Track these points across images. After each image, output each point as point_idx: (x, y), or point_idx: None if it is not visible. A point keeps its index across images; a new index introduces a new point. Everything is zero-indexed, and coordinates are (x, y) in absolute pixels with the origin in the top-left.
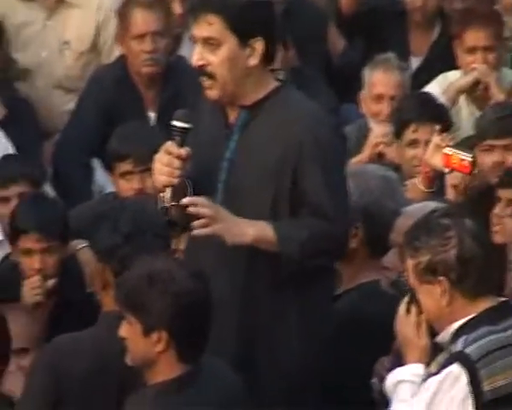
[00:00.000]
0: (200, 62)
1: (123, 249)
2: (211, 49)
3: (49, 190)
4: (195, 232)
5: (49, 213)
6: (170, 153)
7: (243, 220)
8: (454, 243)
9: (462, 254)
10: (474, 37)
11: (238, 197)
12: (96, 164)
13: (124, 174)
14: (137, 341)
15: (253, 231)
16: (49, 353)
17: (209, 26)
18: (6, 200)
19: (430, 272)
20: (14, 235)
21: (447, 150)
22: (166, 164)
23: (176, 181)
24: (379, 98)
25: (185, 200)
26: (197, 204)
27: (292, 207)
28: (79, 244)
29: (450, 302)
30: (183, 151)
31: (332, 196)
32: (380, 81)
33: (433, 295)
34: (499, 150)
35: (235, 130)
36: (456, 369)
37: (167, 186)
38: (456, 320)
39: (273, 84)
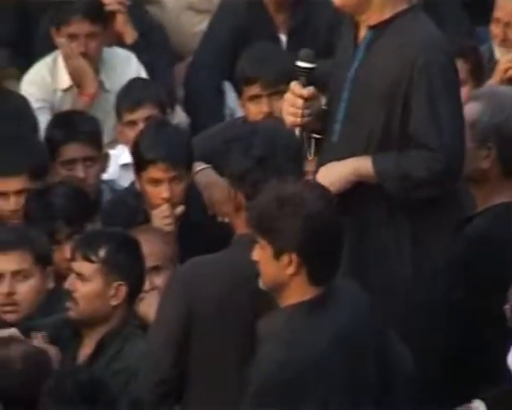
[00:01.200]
0: None
1: (255, 173)
2: None
3: (180, 112)
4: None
5: (176, 141)
6: (294, 93)
7: (339, 162)
8: None
9: None
10: None
11: (356, 119)
12: (228, 87)
13: (252, 98)
14: (269, 264)
15: (351, 164)
16: (182, 274)
17: None
18: (133, 123)
19: None
20: (140, 164)
21: None
22: (291, 104)
23: (300, 121)
24: (506, 24)
25: None
26: None
27: (402, 132)
28: (198, 166)
29: None
30: (306, 91)
31: (435, 125)
32: (502, 5)
33: None
34: None
35: (359, 49)
36: None
37: (294, 126)
38: None
39: (401, 6)
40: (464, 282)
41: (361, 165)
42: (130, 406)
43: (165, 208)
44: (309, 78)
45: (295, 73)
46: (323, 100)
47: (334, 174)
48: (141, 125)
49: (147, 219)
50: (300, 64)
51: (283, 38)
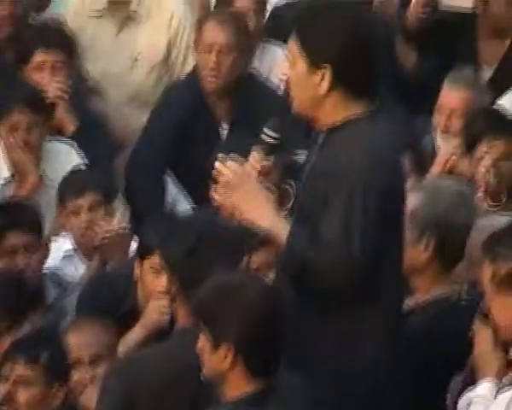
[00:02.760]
0: (284, 74)
1: (188, 262)
2: (290, 65)
3: (121, 203)
4: (215, 198)
5: None
6: (252, 161)
7: (268, 206)
8: None
9: None
10: None
11: (298, 213)
12: (169, 178)
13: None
14: (208, 355)
15: (270, 222)
16: (121, 366)
17: (290, 42)
18: (77, 211)
19: (509, 281)
20: (144, 251)
21: None
22: (248, 170)
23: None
24: (450, 113)
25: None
26: (226, 167)
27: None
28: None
29: None
30: (260, 165)
31: (343, 231)
32: (451, 96)
33: (509, 307)
34: None
35: (315, 150)
36: None
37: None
38: None
39: (353, 111)
40: (404, 375)
41: (278, 227)
42: None
43: (165, 302)
44: (272, 148)
45: (260, 140)
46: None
47: (257, 211)
48: (85, 213)
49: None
50: (266, 131)
51: (225, 127)
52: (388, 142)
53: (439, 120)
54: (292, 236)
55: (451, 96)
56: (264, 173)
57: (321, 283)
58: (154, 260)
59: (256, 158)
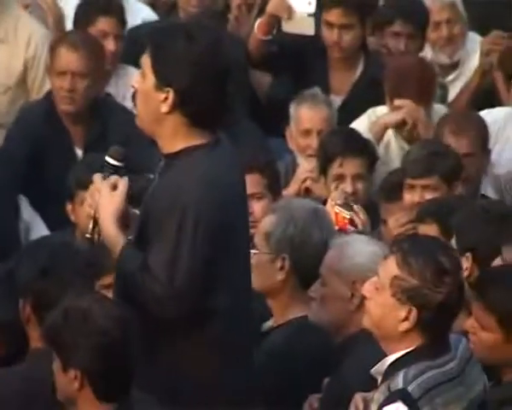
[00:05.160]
0: (133, 84)
1: (39, 284)
2: (141, 76)
3: None
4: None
5: None
6: (94, 185)
7: (111, 220)
8: (446, 290)
9: (447, 303)
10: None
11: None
12: (23, 201)
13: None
14: (59, 376)
15: (110, 232)
16: None
17: (144, 55)
18: None
19: (407, 295)
20: None
21: (336, 209)
22: (90, 195)
23: (93, 213)
24: (306, 133)
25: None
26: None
27: None
28: None
29: (407, 333)
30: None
31: (168, 259)
32: (307, 116)
33: (393, 314)
34: (419, 190)
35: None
36: (400, 408)
37: (89, 217)
38: (399, 350)
39: (193, 142)
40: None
41: (115, 242)
42: None
43: None
44: (114, 174)
45: (102, 168)
46: (134, 212)
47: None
48: None
49: None
50: (108, 159)
51: (79, 151)
52: (225, 171)
53: (297, 140)
54: (124, 255)
55: (311, 116)
56: None
57: (148, 308)
58: None
59: (98, 180)
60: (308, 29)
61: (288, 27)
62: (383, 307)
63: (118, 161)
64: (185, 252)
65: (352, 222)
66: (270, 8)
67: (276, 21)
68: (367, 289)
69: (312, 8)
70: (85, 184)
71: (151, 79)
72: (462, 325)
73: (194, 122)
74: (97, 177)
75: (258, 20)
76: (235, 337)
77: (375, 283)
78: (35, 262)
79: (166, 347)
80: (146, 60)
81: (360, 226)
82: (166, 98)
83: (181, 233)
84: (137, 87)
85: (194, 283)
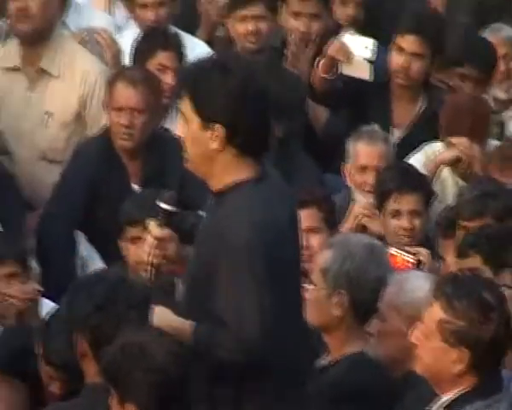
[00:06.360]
0: (178, 133)
1: (95, 319)
2: (184, 123)
3: (32, 262)
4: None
5: None
6: (149, 232)
7: (170, 318)
8: (493, 327)
9: (496, 339)
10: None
11: (189, 289)
12: (80, 236)
13: (133, 239)
14: None
15: (175, 324)
16: None
17: (183, 101)
18: None
19: (456, 338)
20: None
21: (392, 251)
22: (145, 243)
23: (149, 260)
24: (363, 169)
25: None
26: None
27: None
28: None
29: (461, 374)
30: (158, 232)
31: (235, 308)
32: (364, 152)
33: (445, 358)
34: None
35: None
36: None
37: (143, 263)
38: (453, 390)
39: (242, 176)
40: None
41: (182, 329)
42: None
43: None
44: (168, 220)
45: (156, 213)
46: (188, 249)
47: (162, 320)
48: (2, 282)
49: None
50: (161, 205)
51: (136, 187)
52: (274, 207)
53: (354, 176)
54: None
55: (368, 152)
56: (161, 240)
57: (221, 360)
58: None
59: (152, 226)
60: (364, 73)
61: (346, 70)
62: (434, 351)
63: (171, 205)
64: (249, 297)
65: (417, 265)
66: (330, 50)
67: (336, 62)
68: (415, 336)
69: (369, 53)
70: (134, 222)
71: (195, 120)
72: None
73: (244, 152)
74: (152, 224)
75: (319, 59)
76: (290, 373)
77: (422, 329)
78: (90, 297)
79: (225, 387)
80: (185, 103)
81: (426, 264)
82: (215, 135)
83: (239, 277)
84: (183, 135)
85: (263, 325)
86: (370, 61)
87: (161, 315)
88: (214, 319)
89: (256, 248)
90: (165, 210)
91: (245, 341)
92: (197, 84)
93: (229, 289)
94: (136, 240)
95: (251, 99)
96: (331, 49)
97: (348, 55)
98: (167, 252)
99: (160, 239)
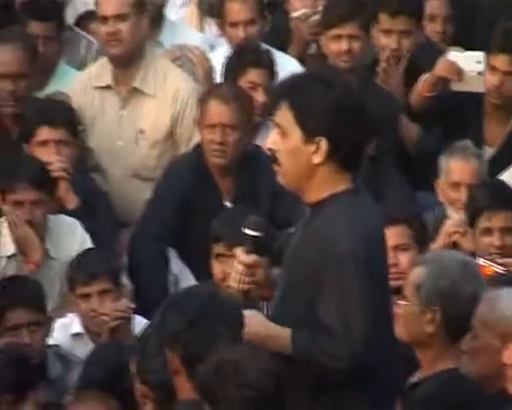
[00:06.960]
0: (271, 146)
1: (188, 335)
2: (281, 136)
3: (124, 279)
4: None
5: None
6: (237, 259)
7: (264, 327)
8: None
9: None
10: None
11: (286, 298)
12: (172, 253)
13: (217, 256)
14: None
15: (271, 336)
16: None
17: (281, 113)
18: (87, 296)
19: None
20: None
21: (481, 262)
22: (234, 270)
23: (239, 287)
24: (456, 186)
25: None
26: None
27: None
28: None
29: None
30: (246, 259)
31: (341, 315)
32: (457, 169)
33: None
34: None
35: (301, 227)
36: None
37: (230, 288)
38: None
39: (339, 187)
40: None
41: (279, 336)
42: None
43: None
44: (255, 245)
45: (242, 239)
46: (276, 271)
47: (258, 326)
48: (95, 299)
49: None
50: (246, 231)
51: (228, 204)
52: (372, 216)
53: (447, 193)
54: (296, 339)
55: (461, 169)
56: (250, 266)
57: (324, 366)
58: None
59: (240, 253)
60: (478, 87)
61: (457, 87)
62: None
63: (257, 231)
64: (355, 304)
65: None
66: (438, 70)
67: (442, 80)
68: (509, 356)
69: (481, 67)
70: (218, 239)
71: (297, 133)
72: None
73: (343, 167)
74: (240, 251)
75: (423, 78)
76: (384, 388)
77: None
78: (183, 313)
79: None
80: (285, 116)
81: None
82: (318, 149)
83: (345, 285)
84: (278, 148)
85: (369, 333)
86: (482, 74)
87: (256, 322)
88: (314, 327)
89: (360, 258)
90: (252, 236)
91: (351, 347)
92: (301, 96)
93: (334, 296)
94: (220, 257)
95: (353, 113)
96: (439, 69)
97: (459, 73)
98: (256, 278)
99: (248, 266)
